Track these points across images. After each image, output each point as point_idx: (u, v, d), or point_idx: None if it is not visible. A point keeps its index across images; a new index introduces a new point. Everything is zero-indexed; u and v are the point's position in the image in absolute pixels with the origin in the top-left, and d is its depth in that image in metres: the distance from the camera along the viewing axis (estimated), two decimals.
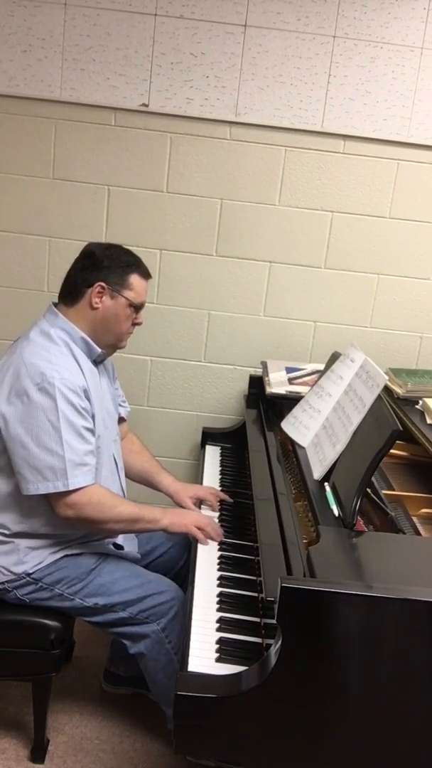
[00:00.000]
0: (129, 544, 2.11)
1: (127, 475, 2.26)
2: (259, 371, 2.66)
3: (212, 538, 1.94)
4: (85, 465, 1.84)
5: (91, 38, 2.50)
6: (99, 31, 2.49)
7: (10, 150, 2.59)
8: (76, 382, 1.86)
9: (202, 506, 2.16)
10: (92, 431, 1.90)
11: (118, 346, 2.03)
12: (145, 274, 2.00)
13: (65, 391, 1.82)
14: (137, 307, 1.98)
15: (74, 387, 1.84)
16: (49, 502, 1.87)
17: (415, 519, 1.76)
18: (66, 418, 1.81)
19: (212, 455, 2.55)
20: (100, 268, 1.93)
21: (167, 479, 2.24)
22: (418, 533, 1.69)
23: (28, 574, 1.91)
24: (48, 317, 1.96)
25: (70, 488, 1.81)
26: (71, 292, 1.96)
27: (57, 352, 1.89)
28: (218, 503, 2.17)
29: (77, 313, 1.95)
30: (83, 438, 1.85)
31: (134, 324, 2.01)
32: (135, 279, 1.96)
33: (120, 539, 2.07)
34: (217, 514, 2.12)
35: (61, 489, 1.81)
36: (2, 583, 1.92)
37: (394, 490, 1.92)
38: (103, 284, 1.92)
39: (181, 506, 2.15)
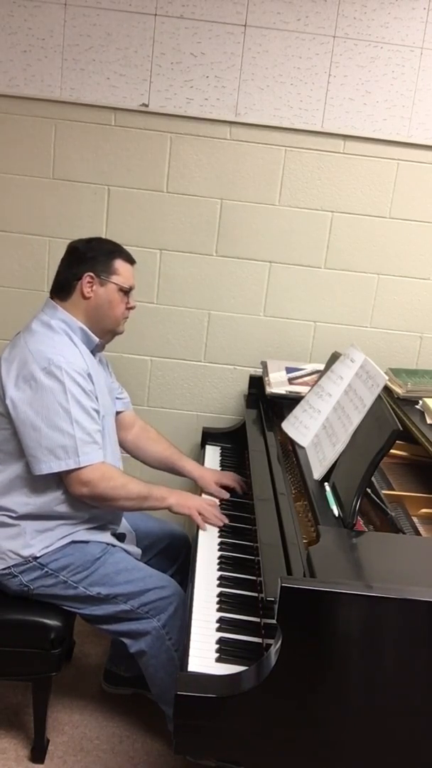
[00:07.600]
0: (128, 540, 2.13)
1: (147, 463, 2.35)
2: (259, 371, 2.66)
3: (212, 524, 2.00)
4: (95, 443, 1.92)
5: (91, 38, 2.50)
6: (99, 31, 2.49)
7: (10, 150, 2.59)
8: (81, 366, 1.95)
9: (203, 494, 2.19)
10: (98, 412, 1.97)
11: (116, 332, 2.11)
12: (129, 259, 2.09)
13: (72, 373, 1.90)
14: (127, 291, 2.07)
15: (80, 370, 1.93)
16: (58, 482, 1.92)
17: (415, 519, 1.76)
18: (75, 399, 1.89)
19: (212, 455, 2.54)
20: (86, 260, 2.03)
21: (191, 464, 2.31)
22: (418, 533, 1.69)
23: (35, 558, 1.93)
24: (47, 310, 2.04)
25: (81, 465, 1.88)
26: (63, 288, 2.05)
27: (59, 340, 1.98)
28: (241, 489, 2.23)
29: (72, 305, 2.03)
30: (92, 417, 1.93)
31: (128, 308, 2.09)
32: (120, 264, 2.06)
33: (120, 530, 2.11)
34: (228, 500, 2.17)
35: (73, 466, 1.88)
36: (8, 567, 1.94)
37: (394, 490, 1.92)
38: (91, 274, 2.01)
39: (206, 491, 2.20)
